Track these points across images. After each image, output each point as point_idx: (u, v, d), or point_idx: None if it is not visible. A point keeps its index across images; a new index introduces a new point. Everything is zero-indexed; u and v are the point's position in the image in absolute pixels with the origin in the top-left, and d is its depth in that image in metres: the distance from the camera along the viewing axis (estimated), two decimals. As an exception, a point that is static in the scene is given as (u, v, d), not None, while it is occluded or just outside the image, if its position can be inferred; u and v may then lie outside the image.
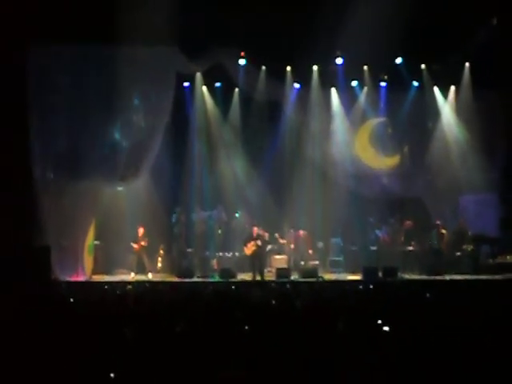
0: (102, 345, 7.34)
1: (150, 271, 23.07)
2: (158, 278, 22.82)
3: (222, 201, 25.48)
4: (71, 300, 12.57)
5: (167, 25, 20.02)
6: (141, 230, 23.08)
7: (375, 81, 25.62)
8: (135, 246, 22.96)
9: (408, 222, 24.60)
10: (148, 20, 19.69)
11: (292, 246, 24.57)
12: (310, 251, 24.53)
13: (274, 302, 11.15)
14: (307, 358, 6.62)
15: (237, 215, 25.50)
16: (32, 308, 10.58)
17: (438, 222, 24.30)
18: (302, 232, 24.60)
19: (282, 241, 24.87)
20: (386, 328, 8.14)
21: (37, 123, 21.88)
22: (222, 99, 25.83)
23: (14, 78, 21.03)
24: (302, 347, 6.99)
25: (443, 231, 24.11)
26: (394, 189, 26.09)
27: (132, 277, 22.34)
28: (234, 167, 25.68)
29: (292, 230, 24.66)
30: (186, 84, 25.19)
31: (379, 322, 8.36)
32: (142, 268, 22.98)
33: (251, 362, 6.56)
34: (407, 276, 22.34)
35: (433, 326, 8.23)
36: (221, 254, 24.97)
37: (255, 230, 22.75)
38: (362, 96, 26.04)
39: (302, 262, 24.22)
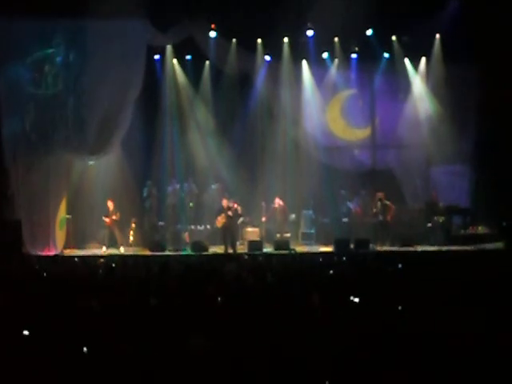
0: (74, 319, 7.31)
1: (122, 245, 22.96)
2: (130, 251, 22.73)
3: (193, 173, 25.44)
4: (44, 274, 12.53)
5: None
6: (110, 204, 22.92)
7: (346, 53, 25.51)
8: (107, 219, 22.85)
9: (379, 194, 24.60)
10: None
11: (264, 218, 24.54)
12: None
13: (246, 274, 11.16)
14: (280, 330, 6.64)
15: (213, 187, 25.39)
16: (4, 282, 10.54)
17: (380, 194, 24.22)
18: (278, 201, 24.37)
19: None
20: (355, 299, 8.19)
21: (5, 97, 21.72)
22: (193, 72, 25.63)
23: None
24: (275, 320, 7.00)
25: (387, 203, 24.03)
26: (365, 161, 26.21)
27: (104, 251, 22.26)
28: (205, 140, 25.56)
29: (264, 203, 24.62)
30: (156, 57, 25.01)
31: (351, 297, 8.40)
32: (114, 242, 22.88)
33: (223, 335, 6.57)
34: (379, 247, 22.48)
35: (405, 296, 8.28)
36: (192, 227, 24.95)
37: (225, 202, 22.65)
38: (333, 68, 25.97)
39: (278, 235, 24.24)
